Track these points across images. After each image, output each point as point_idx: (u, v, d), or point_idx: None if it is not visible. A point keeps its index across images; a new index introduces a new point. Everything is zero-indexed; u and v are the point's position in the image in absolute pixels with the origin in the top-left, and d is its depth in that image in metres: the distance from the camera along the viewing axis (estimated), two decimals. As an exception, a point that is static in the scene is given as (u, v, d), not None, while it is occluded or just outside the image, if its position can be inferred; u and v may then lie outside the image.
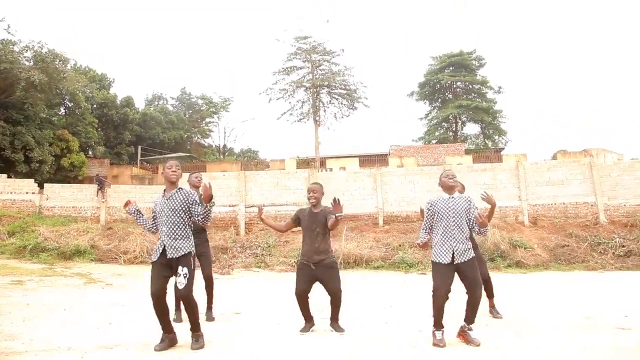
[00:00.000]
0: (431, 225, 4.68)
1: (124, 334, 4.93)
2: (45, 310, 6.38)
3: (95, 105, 32.45)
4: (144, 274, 12.49)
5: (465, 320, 4.42)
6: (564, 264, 13.25)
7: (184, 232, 4.33)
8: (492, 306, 6.05)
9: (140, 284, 10.34)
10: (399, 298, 8.30)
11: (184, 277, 4.21)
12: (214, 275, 12.47)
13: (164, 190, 4.48)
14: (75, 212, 18.52)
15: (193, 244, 4.40)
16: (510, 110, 74.54)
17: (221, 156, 46.09)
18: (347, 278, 11.79)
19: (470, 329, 4.39)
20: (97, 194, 18.78)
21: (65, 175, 25.99)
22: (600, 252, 13.67)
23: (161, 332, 4.29)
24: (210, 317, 5.85)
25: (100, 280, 11.02)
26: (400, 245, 14.56)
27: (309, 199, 5.21)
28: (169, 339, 4.31)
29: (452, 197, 4.59)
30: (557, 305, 6.92)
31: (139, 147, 34.84)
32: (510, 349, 4.22)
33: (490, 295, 6.04)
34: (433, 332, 4.37)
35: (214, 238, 15.75)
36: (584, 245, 14.01)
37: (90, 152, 31.32)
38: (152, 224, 4.54)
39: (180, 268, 4.21)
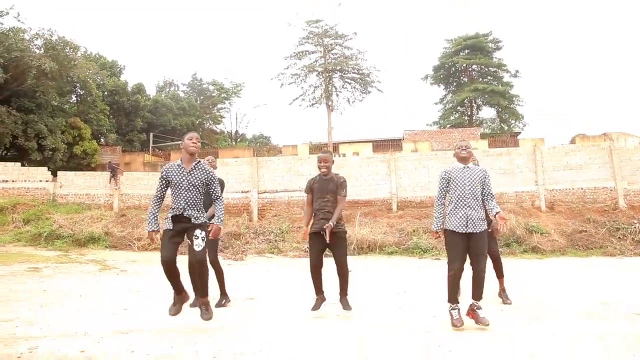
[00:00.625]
0: (445, 195, 4.71)
1: (139, 319, 5.02)
2: (62, 297, 6.52)
3: (106, 93, 32.69)
4: (156, 260, 12.68)
5: (472, 297, 4.43)
6: (581, 249, 13.12)
7: (201, 205, 4.45)
8: (502, 290, 5.96)
9: (155, 270, 10.49)
10: (412, 283, 8.31)
11: (202, 239, 4.24)
12: (227, 262, 12.68)
13: (181, 159, 4.50)
14: (89, 200, 18.80)
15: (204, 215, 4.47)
16: (527, 94, 73.36)
17: (233, 142, 46.26)
18: (361, 264, 11.87)
19: (479, 307, 4.37)
20: (110, 181, 19.02)
21: (78, 163, 26.35)
22: (619, 237, 13.50)
23: (172, 295, 4.38)
24: (220, 303, 5.88)
25: (114, 266, 11.21)
26: (414, 231, 14.54)
27: (319, 168, 5.31)
28: (179, 299, 4.42)
29: (467, 166, 4.59)
30: (573, 291, 6.87)
31: (151, 134, 35.09)
32: (524, 334, 4.20)
33: (499, 275, 5.96)
34: (449, 310, 4.37)
35: (227, 224, 15.89)
36: (602, 230, 13.84)
37: (102, 140, 31.66)
38: (158, 201, 4.44)
39: (198, 231, 4.24)
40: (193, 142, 4.48)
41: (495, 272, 5.91)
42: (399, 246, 13.83)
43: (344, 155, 26.53)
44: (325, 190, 5.22)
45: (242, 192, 18.03)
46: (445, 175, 4.66)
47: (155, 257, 13.57)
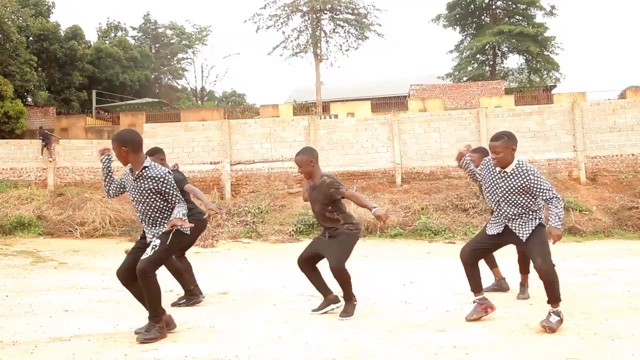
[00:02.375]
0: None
1: (84, 322, 5.00)
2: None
3: (31, 38, 31.91)
4: (105, 249, 12.64)
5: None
6: (631, 230, 13.31)
7: (159, 218, 4.43)
8: (522, 284, 6.09)
9: (103, 262, 10.47)
10: (421, 272, 8.39)
11: (152, 248, 4.33)
12: (194, 249, 12.64)
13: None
14: (15, 175, 18.55)
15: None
16: (565, 38, 73.20)
17: (199, 102, 45.85)
18: (358, 248, 11.87)
19: (551, 313, 4.42)
20: (42, 151, 18.75)
21: (-3, 129, 25.90)
22: (679, 215, 13.68)
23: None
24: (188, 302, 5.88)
25: (51, 258, 11.15)
26: (423, 209, 14.63)
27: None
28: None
29: (504, 171, 4.54)
30: (617, 282, 6.97)
31: (93, 92, 34.56)
32: (555, 333, 4.26)
33: (524, 271, 6.10)
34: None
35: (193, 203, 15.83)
36: (659, 207, 13.99)
37: (29, 99, 31.11)
38: (116, 189, 4.70)
39: (154, 240, 4.35)
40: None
41: (519, 265, 6.11)
42: (404, 227, 13.93)
43: (336, 116, 26.44)
44: (313, 201, 5.23)
45: (210, 163, 17.91)
46: (480, 170, 4.91)
47: (104, 244, 13.57)
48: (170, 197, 4.36)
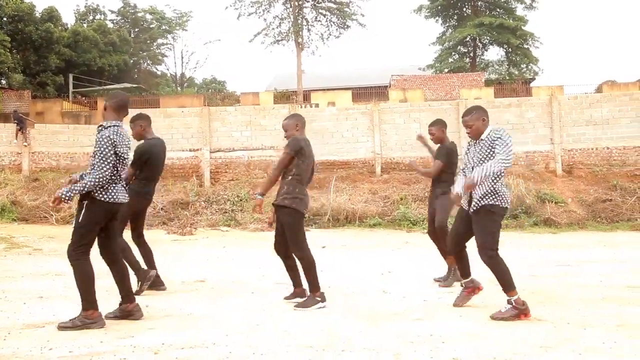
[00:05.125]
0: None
1: (58, 309, 4.93)
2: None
3: (5, 19, 31.13)
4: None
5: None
6: (604, 222, 13.55)
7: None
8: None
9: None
10: (399, 262, 8.45)
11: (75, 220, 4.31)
12: (172, 237, 12.61)
13: None
14: (-10, 160, 18.17)
15: (100, 192, 4.22)
16: (544, 31, 73.92)
17: (178, 88, 45.36)
18: (337, 238, 11.99)
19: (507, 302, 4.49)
20: (17, 135, 18.37)
21: (-30, 112, 25.33)
22: (651, 207, 13.96)
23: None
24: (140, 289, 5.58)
25: (26, 244, 10.99)
26: (402, 199, 14.72)
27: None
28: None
29: (480, 139, 4.61)
30: (590, 273, 7.11)
31: (70, 76, 33.90)
32: (527, 321, 4.33)
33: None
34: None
35: (172, 190, 15.72)
36: (632, 199, 14.29)
37: (3, 82, 30.44)
38: None
39: None
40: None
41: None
42: (383, 217, 14.01)
43: (316, 105, 26.35)
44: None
45: (190, 150, 17.77)
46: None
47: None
48: (94, 161, 4.19)
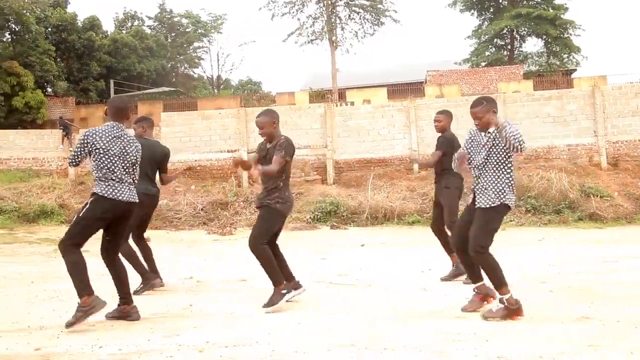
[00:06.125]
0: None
1: (105, 308, 5.04)
2: (8, 285, 6.58)
3: (50, 29, 32.12)
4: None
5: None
6: (653, 216, 13.11)
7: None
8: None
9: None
10: (440, 259, 8.34)
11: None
12: (212, 237, 12.79)
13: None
14: (37, 165, 18.80)
15: (102, 188, 4.45)
16: (585, 19, 71.75)
17: (215, 90, 45.96)
18: (375, 236, 11.94)
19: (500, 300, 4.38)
20: (63, 140, 18.97)
21: (19, 119, 26.19)
22: None
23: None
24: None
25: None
26: (440, 196, 14.54)
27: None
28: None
29: (489, 132, 4.48)
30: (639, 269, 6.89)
31: (111, 82, 34.76)
32: (570, 321, 4.23)
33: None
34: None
35: (211, 191, 15.94)
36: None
37: (49, 89, 31.40)
38: None
39: None
40: None
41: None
42: (421, 214, 13.87)
43: (352, 103, 26.31)
44: (264, 160, 5.05)
45: (227, 151, 17.97)
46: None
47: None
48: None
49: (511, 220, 13.24)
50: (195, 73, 49.56)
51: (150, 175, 6.05)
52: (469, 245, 4.39)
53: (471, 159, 4.60)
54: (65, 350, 3.70)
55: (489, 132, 4.47)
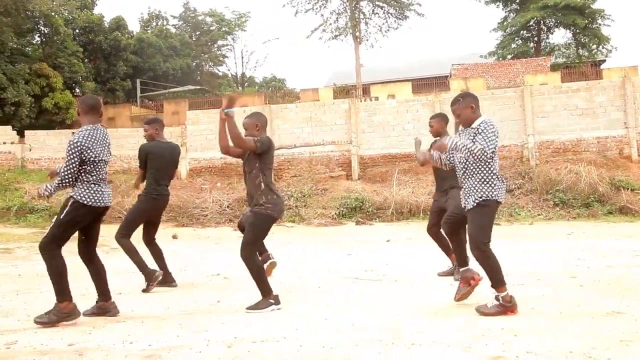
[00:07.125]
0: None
1: (137, 305, 5.17)
2: (40, 282, 6.73)
3: (77, 30, 32.65)
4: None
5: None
6: (686, 209, 12.82)
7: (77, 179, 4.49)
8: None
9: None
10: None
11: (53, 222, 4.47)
12: (238, 233, 12.87)
13: None
14: (68, 164, 19.16)
15: (81, 193, 4.43)
16: (615, 8, 70.10)
17: (240, 88, 46.18)
18: (402, 231, 11.91)
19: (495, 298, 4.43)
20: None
21: (49, 119, 26.67)
22: None
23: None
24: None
25: (103, 244, 11.41)
26: (467, 191, 14.43)
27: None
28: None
29: (471, 127, 4.47)
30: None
31: (137, 81, 35.23)
32: (601, 314, 4.17)
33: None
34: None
35: (237, 189, 16.07)
36: None
37: (77, 90, 31.92)
38: None
39: None
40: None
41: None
42: (448, 210, 13.78)
43: (376, 98, 26.18)
44: (247, 160, 5.07)
45: (252, 148, 18.08)
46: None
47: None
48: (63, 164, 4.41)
49: (539, 215, 13.07)
50: (219, 71, 49.91)
51: (170, 175, 6.18)
52: (470, 245, 4.45)
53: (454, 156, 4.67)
54: (97, 345, 3.78)
55: (471, 128, 4.46)
